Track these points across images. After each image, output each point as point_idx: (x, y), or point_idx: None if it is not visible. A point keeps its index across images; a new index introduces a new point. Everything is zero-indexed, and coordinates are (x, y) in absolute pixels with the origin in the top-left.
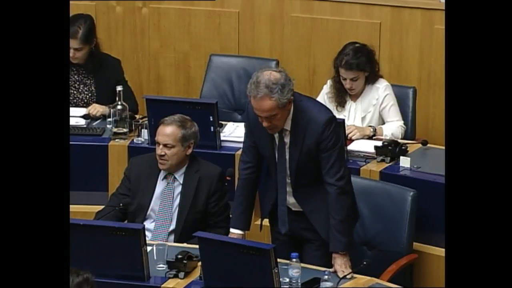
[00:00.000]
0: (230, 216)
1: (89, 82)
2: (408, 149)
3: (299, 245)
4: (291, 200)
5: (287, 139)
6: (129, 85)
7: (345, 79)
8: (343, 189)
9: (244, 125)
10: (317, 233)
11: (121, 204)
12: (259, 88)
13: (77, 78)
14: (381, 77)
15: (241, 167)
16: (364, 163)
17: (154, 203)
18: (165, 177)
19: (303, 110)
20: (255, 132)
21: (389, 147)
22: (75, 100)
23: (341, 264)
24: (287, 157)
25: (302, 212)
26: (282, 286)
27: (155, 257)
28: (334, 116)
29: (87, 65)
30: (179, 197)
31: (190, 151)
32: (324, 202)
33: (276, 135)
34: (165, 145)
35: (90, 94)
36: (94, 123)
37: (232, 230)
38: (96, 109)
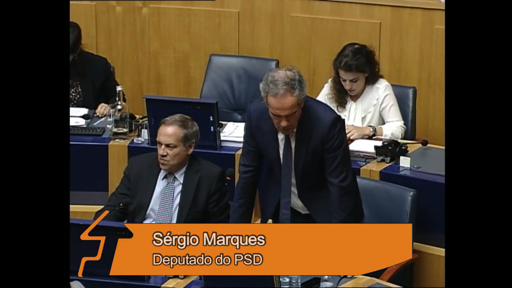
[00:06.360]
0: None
1: (75, 83)
2: (408, 149)
3: None
4: (298, 203)
5: (293, 140)
6: (115, 79)
7: (344, 80)
8: (346, 189)
9: (245, 128)
10: None
11: (120, 204)
12: (279, 85)
13: None
14: (381, 77)
15: (241, 170)
16: (364, 163)
17: (154, 203)
18: (165, 177)
19: (308, 111)
20: (259, 135)
21: (389, 147)
22: None
23: None
24: (293, 158)
25: (309, 215)
26: (282, 286)
27: None
28: (340, 117)
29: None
30: (179, 196)
31: (191, 150)
32: (329, 203)
33: (281, 138)
34: (167, 145)
35: (78, 96)
36: (95, 123)
37: None
38: (103, 107)
